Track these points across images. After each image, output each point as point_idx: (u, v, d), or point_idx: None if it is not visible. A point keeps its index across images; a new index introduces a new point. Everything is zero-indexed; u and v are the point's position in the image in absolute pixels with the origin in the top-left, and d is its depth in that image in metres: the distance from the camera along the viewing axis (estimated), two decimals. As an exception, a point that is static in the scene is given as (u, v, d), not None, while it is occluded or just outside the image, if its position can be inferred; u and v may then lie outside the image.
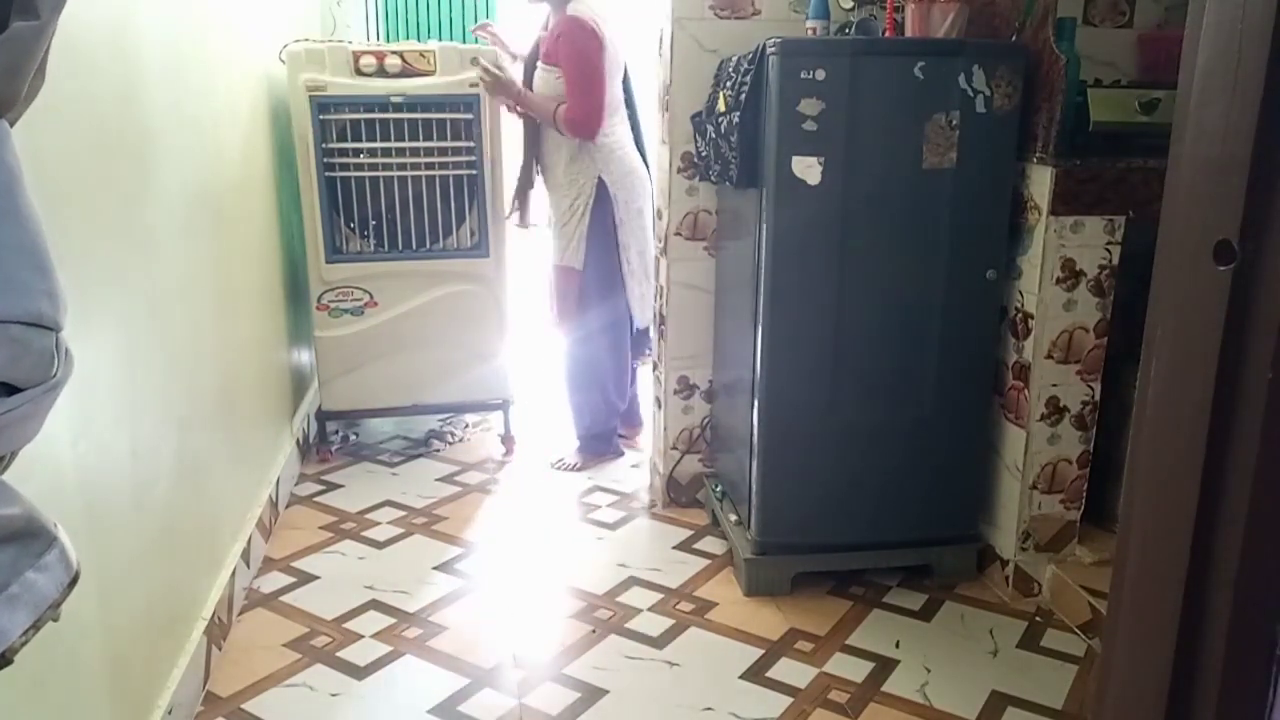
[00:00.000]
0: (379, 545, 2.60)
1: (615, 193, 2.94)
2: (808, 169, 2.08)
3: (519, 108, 2.96)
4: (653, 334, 3.31)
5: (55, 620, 0.72)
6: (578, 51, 2.80)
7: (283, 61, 2.92)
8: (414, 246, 3.07)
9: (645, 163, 3.04)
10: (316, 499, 2.89)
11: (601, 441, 3.19)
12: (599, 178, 2.92)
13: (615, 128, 2.95)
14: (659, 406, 2.83)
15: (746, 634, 2.16)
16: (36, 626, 0.69)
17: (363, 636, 2.14)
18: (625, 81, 3.03)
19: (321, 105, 2.91)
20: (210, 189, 2.21)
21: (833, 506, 2.28)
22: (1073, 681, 1.98)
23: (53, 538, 0.72)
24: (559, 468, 3.14)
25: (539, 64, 2.92)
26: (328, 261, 3.02)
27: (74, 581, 0.73)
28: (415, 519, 2.76)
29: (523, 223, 3.18)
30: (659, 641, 2.13)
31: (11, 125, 0.66)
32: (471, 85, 2.96)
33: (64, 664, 1.33)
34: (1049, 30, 2.07)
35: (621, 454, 3.23)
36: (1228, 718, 0.67)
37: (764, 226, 2.14)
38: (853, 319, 2.17)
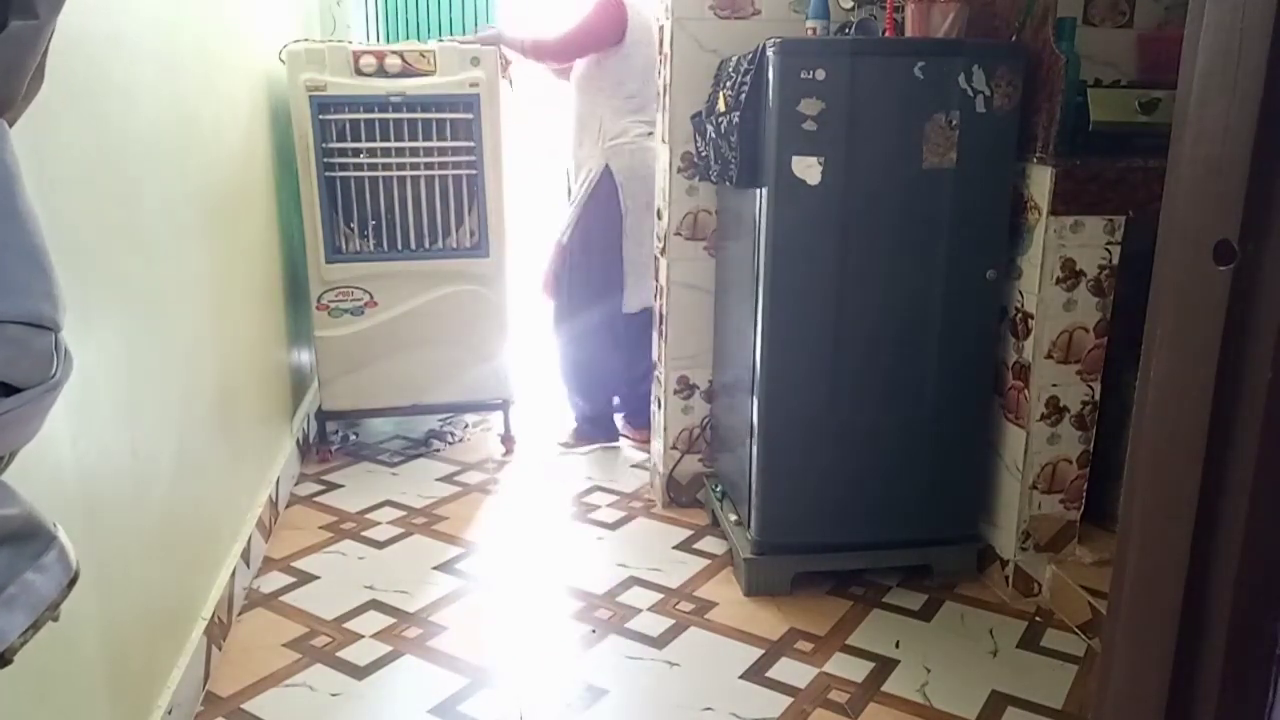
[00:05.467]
0: (379, 545, 2.60)
1: (621, 181, 3.06)
2: (808, 169, 2.08)
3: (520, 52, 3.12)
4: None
5: (55, 620, 0.72)
6: (594, 4, 3.00)
7: (283, 61, 2.91)
8: (414, 246, 3.08)
9: None
10: (316, 499, 2.89)
11: (592, 426, 3.33)
12: (606, 165, 3.05)
13: (636, 129, 3.05)
14: (659, 406, 2.83)
15: (746, 634, 2.16)
16: (36, 627, 0.69)
17: (363, 636, 2.14)
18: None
19: (321, 105, 2.91)
20: (210, 189, 2.21)
21: (833, 506, 2.28)
22: (1073, 681, 1.98)
23: (51, 537, 0.72)
24: (561, 445, 3.31)
25: None
26: (328, 261, 3.02)
27: (73, 582, 0.73)
28: (415, 519, 2.76)
29: None
30: (659, 641, 2.13)
31: (10, 125, 0.66)
32: (471, 85, 2.97)
33: (64, 664, 1.33)
34: (1049, 30, 2.07)
35: (616, 441, 3.34)
36: (1228, 718, 0.67)
37: (764, 226, 2.14)
38: (853, 319, 2.17)
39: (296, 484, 2.99)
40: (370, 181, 3.02)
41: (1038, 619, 2.22)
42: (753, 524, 2.30)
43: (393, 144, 2.98)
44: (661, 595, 2.33)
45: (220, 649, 2.05)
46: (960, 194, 2.13)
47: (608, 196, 3.08)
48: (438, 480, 3.05)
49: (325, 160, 2.95)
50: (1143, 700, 0.73)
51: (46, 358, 0.67)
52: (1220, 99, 0.64)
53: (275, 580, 2.39)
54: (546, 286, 3.26)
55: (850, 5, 2.42)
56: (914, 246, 2.16)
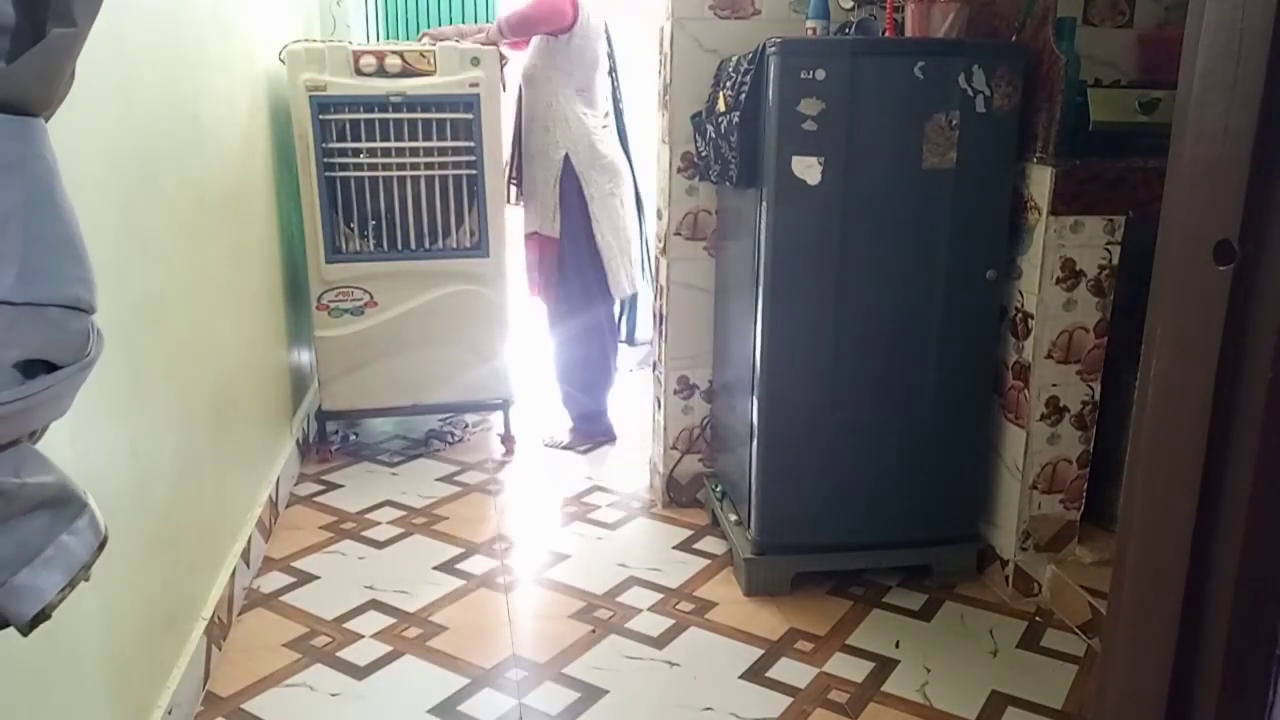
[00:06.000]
0: (379, 545, 2.60)
1: (581, 171, 3.09)
2: (808, 169, 2.08)
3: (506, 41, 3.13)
4: (639, 328, 3.49)
5: (87, 580, 0.76)
6: None
7: (283, 61, 2.92)
8: (414, 246, 3.08)
9: (629, 160, 3.24)
10: (316, 499, 2.89)
11: (590, 423, 3.36)
12: (565, 154, 3.08)
13: (588, 119, 3.10)
14: (659, 406, 2.83)
15: (746, 634, 2.16)
16: (71, 585, 0.74)
17: (363, 636, 2.14)
18: (614, 83, 3.21)
19: (321, 105, 2.91)
20: (210, 189, 2.21)
21: (833, 506, 2.28)
22: (1073, 681, 1.98)
23: (83, 504, 0.77)
24: (549, 444, 3.32)
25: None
26: (328, 261, 3.02)
27: (103, 544, 0.78)
28: (415, 519, 2.76)
29: (519, 200, 3.28)
30: (659, 641, 2.13)
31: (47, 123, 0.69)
32: (471, 85, 2.97)
33: (64, 664, 1.33)
34: (1049, 30, 2.07)
35: (614, 438, 3.37)
36: (1228, 718, 0.67)
37: (764, 226, 2.14)
38: (853, 319, 2.17)
39: (296, 484, 2.99)
40: (370, 181, 3.02)
41: (1038, 619, 2.22)
42: (753, 524, 2.30)
43: (393, 144, 2.99)
44: (661, 595, 2.33)
45: (220, 649, 2.05)
46: (960, 194, 2.13)
47: (575, 189, 3.11)
48: (438, 480, 3.05)
49: (325, 160, 2.95)
50: (1143, 700, 0.73)
51: (82, 337, 0.72)
52: (1220, 99, 0.64)
53: (275, 580, 2.39)
54: (540, 283, 3.26)
55: (850, 5, 2.42)
56: (914, 246, 2.16)
